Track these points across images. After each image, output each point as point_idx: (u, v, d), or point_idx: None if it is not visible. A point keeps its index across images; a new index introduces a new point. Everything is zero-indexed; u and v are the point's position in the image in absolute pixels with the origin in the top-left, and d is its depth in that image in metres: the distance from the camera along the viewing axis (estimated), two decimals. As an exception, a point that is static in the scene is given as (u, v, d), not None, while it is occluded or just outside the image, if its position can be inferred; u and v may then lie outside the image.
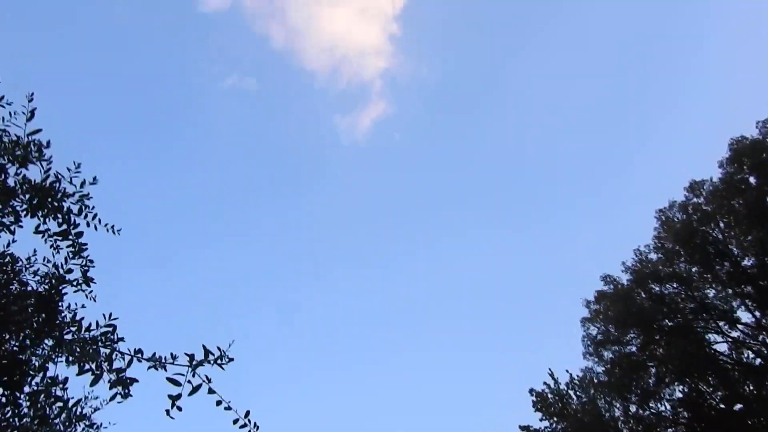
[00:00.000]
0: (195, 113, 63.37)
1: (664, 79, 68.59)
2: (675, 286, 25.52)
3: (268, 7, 63.13)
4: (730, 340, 24.24)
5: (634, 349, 25.30)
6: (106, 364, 4.43)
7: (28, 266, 5.41)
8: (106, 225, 5.33)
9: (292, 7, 62.96)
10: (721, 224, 24.86)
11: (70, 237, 5.08)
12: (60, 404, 5.15)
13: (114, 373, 4.38)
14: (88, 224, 5.24)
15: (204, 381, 4.10)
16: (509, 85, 68.90)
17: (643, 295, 25.54)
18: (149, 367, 4.30)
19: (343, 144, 64.03)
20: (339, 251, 66.72)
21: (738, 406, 22.47)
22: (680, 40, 68.77)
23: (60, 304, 5.02)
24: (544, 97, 68.08)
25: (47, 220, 5.05)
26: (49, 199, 5.02)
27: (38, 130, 4.97)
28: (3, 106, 4.90)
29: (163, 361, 4.27)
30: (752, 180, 24.47)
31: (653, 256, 26.54)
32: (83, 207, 5.23)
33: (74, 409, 5.56)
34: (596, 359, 25.84)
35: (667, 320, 25.24)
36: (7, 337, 4.70)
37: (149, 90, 62.35)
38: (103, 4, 59.77)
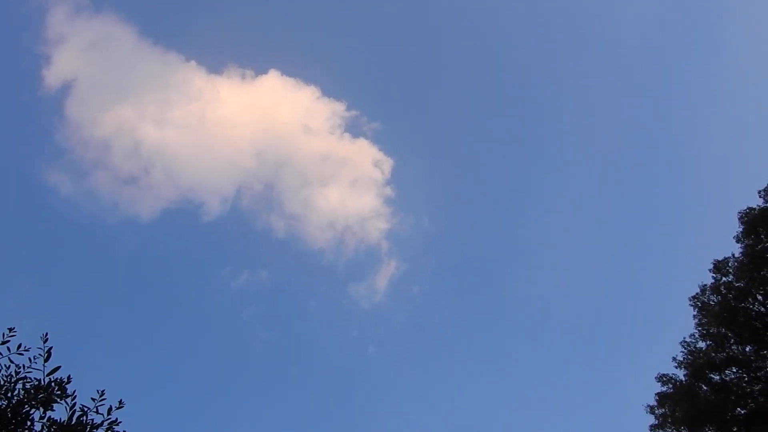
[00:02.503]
0: (217, 326, 63.76)
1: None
2: (735, 370, 24.38)
3: (264, 202, 66.09)
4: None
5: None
6: None
7: None
8: (136, 448, 5.31)
9: (286, 196, 66.01)
10: (759, 297, 24.20)
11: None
12: None
13: None
14: (119, 452, 5.24)
15: None
16: (511, 219, 70.58)
17: (705, 388, 24.28)
18: None
19: (364, 308, 63.88)
20: None
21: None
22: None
23: None
24: (545, 235, 69.10)
25: (77, 457, 5.00)
26: (77, 435, 5.00)
27: (57, 368, 5.05)
28: (21, 354, 5.02)
29: None
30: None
31: (702, 344, 25.54)
32: (112, 434, 5.25)
33: None
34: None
35: (739, 408, 23.79)
36: None
37: (170, 313, 63.23)
38: (105, 239, 62.76)
